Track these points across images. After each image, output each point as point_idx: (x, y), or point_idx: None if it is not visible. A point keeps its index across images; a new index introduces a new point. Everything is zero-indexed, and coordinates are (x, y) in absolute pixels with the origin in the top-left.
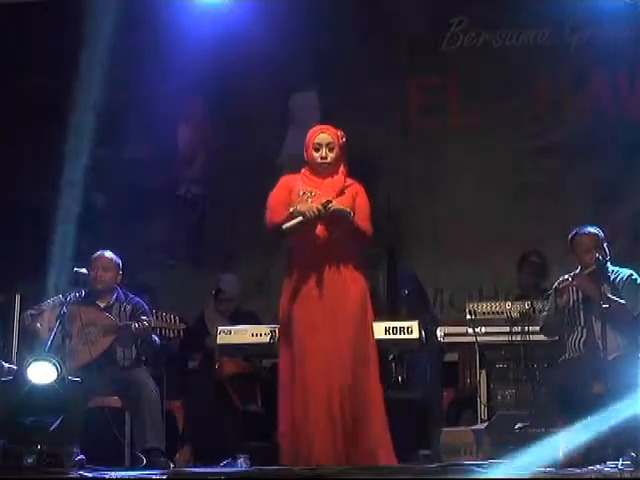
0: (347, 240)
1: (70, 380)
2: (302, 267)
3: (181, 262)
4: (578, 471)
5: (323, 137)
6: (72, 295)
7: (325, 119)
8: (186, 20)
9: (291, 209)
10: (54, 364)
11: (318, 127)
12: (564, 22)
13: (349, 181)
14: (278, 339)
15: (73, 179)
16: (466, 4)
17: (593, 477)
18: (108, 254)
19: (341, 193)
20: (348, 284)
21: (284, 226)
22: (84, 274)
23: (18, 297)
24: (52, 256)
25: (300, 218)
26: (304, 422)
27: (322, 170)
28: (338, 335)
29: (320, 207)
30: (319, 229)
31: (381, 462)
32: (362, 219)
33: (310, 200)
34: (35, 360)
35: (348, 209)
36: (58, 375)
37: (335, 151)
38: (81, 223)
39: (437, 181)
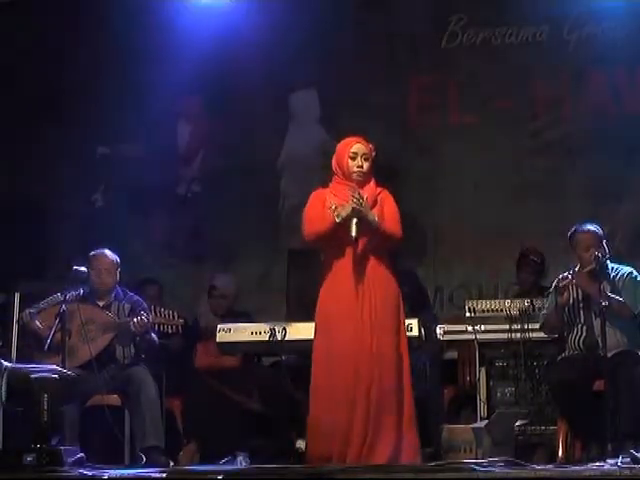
0: (379, 245)
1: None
2: (338, 274)
3: (181, 261)
4: (578, 468)
5: (359, 147)
6: (71, 293)
7: (325, 118)
8: (186, 19)
9: (337, 219)
10: None
11: (352, 138)
12: (563, 20)
13: (378, 189)
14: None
15: (73, 178)
16: (465, 2)
17: (593, 474)
18: (108, 256)
19: (375, 203)
20: (384, 285)
21: (353, 235)
22: (83, 272)
23: (17, 296)
24: (51, 255)
25: (354, 220)
26: (333, 419)
27: (355, 179)
28: (377, 334)
29: (355, 199)
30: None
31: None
32: (392, 223)
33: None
34: None
35: (373, 216)
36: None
37: (369, 162)
38: (81, 221)
39: (437, 179)
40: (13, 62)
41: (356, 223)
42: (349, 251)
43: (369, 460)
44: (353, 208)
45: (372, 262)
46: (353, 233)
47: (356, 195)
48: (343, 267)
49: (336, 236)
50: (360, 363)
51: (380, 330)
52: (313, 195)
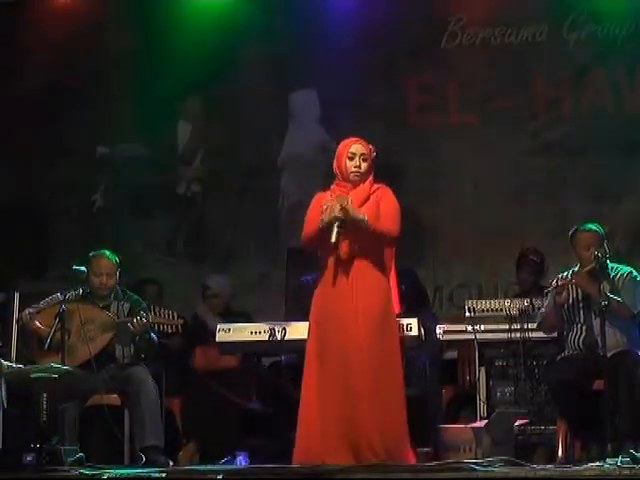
0: (372, 244)
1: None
2: (330, 274)
3: (181, 261)
4: (577, 468)
5: (358, 147)
6: (70, 293)
7: (325, 118)
8: (186, 19)
9: (321, 225)
10: None
11: (351, 139)
12: (563, 19)
13: (375, 186)
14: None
15: (73, 178)
16: (465, 2)
17: (592, 474)
18: (109, 258)
19: (366, 200)
20: (370, 286)
21: (332, 240)
22: (82, 272)
23: (17, 295)
24: (51, 255)
25: (335, 225)
26: (320, 420)
27: (352, 179)
28: (359, 335)
29: (338, 205)
30: (341, 247)
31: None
32: (387, 221)
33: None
34: None
35: (361, 216)
36: None
37: (368, 162)
38: (81, 221)
39: (437, 179)
40: (13, 62)
41: (337, 227)
42: (336, 253)
43: (359, 459)
44: (334, 215)
45: (360, 263)
46: (332, 239)
47: (332, 201)
48: (332, 268)
49: (324, 238)
50: (348, 363)
51: (366, 331)
52: (314, 198)
